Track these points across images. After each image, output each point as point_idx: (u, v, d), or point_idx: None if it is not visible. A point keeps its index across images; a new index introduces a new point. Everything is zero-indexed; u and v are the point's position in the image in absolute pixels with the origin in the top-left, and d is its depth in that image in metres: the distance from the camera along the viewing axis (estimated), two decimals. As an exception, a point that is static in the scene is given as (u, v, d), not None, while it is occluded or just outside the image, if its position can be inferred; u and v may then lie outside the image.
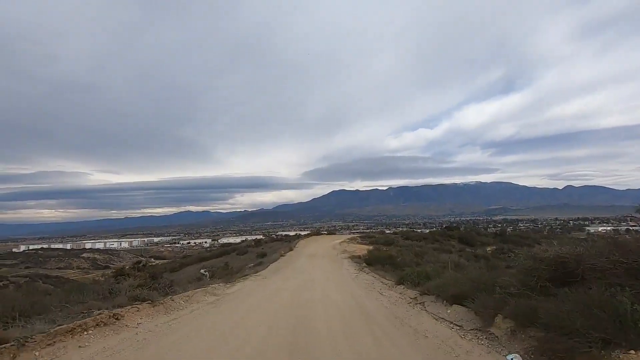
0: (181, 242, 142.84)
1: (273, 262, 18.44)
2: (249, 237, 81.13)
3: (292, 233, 57.25)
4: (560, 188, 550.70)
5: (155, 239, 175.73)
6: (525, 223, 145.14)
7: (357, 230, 78.34)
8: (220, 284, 11.26)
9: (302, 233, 44.76)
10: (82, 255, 70.04)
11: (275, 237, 45.95)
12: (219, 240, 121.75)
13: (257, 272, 15.20)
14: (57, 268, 52.58)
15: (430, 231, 37.70)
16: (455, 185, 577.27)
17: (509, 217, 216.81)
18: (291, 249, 24.26)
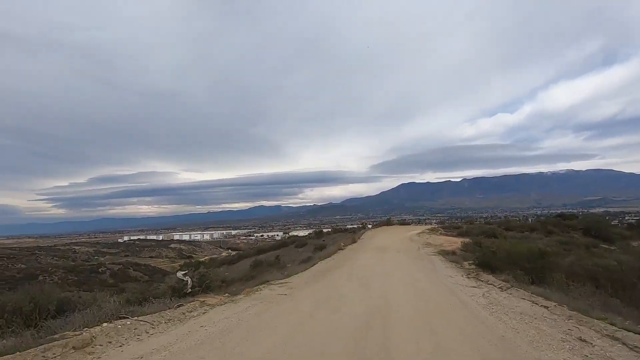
0: (255, 234, 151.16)
1: (324, 258, 13.62)
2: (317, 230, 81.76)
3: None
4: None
5: (233, 232, 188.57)
6: (635, 216, 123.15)
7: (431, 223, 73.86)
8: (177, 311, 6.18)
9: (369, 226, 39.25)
10: (170, 246, 77.37)
11: (341, 228, 43.89)
12: (289, 233, 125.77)
13: (288, 276, 9.88)
14: (149, 257, 58.72)
15: (538, 220, 31.08)
16: (541, 174, 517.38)
17: (611, 209, 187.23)
18: (354, 241, 20.33)
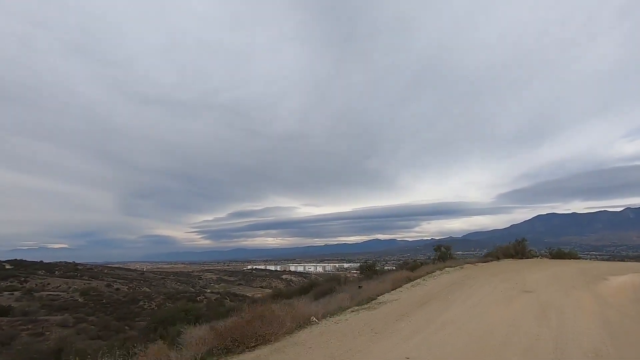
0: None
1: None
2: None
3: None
4: None
5: (346, 265, 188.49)
6: None
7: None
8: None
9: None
10: (282, 277, 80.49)
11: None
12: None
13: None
14: (259, 286, 61.84)
15: None
16: None
17: None
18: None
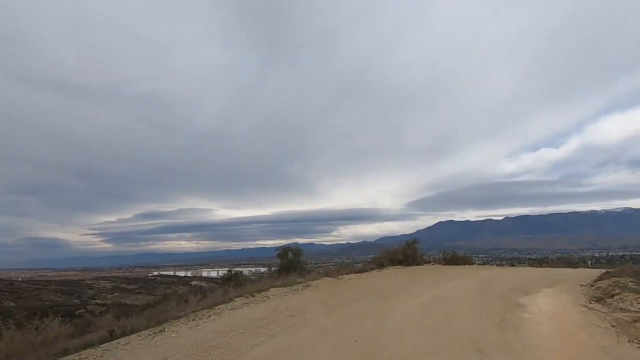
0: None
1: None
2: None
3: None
4: None
5: (262, 269, 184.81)
6: None
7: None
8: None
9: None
10: (191, 283, 74.88)
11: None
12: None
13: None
14: (162, 295, 56.42)
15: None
16: (594, 212, 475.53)
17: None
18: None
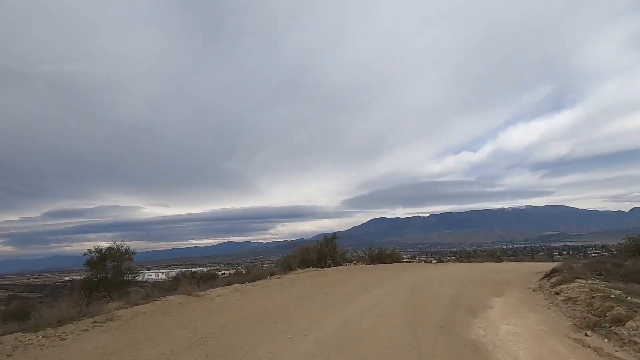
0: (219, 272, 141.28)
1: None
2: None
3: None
4: (627, 211, 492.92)
5: (194, 269, 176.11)
6: (596, 250, 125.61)
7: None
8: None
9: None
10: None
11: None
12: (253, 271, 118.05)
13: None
14: (73, 303, 50.14)
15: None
16: (503, 210, 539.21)
17: (570, 244, 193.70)
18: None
